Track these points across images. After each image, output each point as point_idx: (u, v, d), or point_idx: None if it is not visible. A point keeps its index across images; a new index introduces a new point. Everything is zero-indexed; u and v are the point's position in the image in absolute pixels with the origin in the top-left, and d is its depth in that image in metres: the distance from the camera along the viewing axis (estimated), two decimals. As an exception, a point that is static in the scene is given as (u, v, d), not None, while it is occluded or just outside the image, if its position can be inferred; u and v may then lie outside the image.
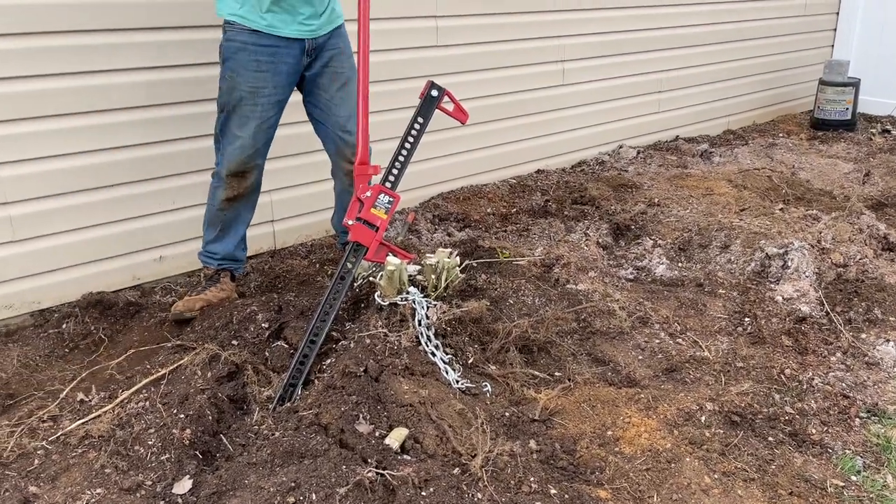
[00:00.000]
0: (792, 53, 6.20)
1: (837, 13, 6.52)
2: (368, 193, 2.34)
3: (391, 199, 2.35)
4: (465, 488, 1.82)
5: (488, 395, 2.29)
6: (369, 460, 1.89)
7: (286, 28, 2.55)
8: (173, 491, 1.91)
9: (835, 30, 6.57)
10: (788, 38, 6.09)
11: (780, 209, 4.08)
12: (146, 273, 3.06)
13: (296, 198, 3.46)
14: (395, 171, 2.43)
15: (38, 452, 2.07)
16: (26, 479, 1.96)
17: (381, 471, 1.83)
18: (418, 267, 2.46)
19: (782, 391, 2.49)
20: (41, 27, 2.60)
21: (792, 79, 6.33)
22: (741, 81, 5.81)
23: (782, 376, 2.58)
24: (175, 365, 2.34)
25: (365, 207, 2.32)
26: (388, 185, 2.41)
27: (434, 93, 2.54)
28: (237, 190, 2.70)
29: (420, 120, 2.52)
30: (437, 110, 2.55)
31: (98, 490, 1.91)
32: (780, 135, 5.84)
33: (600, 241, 3.61)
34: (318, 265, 3.33)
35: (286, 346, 2.42)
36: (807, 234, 3.57)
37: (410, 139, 2.48)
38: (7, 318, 2.76)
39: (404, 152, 2.47)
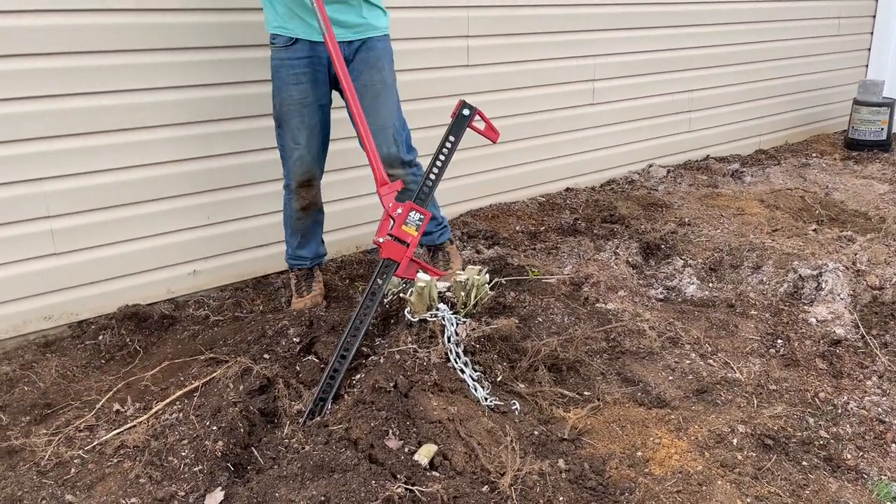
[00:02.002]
0: (825, 73, 6.15)
1: (872, 32, 6.45)
2: (399, 210, 2.36)
3: (422, 217, 2.37)
4: (493, 506, 1.82)
5: (517, 413, 2.29)
6: (398, 476, 1.89)
7: (316, 33, 2.63)
8: (206, 502, 1.93)
9: (869, 49, 6.50)
10: (822, 58, 6.04)
11: (814, 230, 4.03)
12: (180, 287, 3.12)
13: (327, 214, 3.49)
14: (426, 189, 2.45)
15: (75, 461, 2.11)
16: (63, 488, 2.00)
17: (410, 486, 1.84)
18: (448, 284, 2.48)
19: (816, 415, 2.45)
20: (86, 47, 2.68)
21: (825, 98, 6.27)
22: (773, 101, 5.77)
23: (816, 399, 2.53)
24: (208, 378, 2.38)
25: (396, 224, 2.35)
26: (418, 202, 2.43)
27: (465, 112, 2.57)
28: (307, 199, 2.85)
29: (451, 138, 2.55)
30: (468, 129, 2.58)
31: (132, 500, 1.94)
32: (814, 155, 5.78)
33: (630, 260, 3.59)
34: (348, 280, 3.36)
35: (317, 360, 2.44)
36: (841, 256, 3.52)
37: (442, 157, 2.51)
38: (46, 328, 2.83)
39: (435, 170, 2.49)
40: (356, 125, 2.55)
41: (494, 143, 2.68)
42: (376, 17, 2.77)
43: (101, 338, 2.81)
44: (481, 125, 2.61)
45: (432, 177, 2.49)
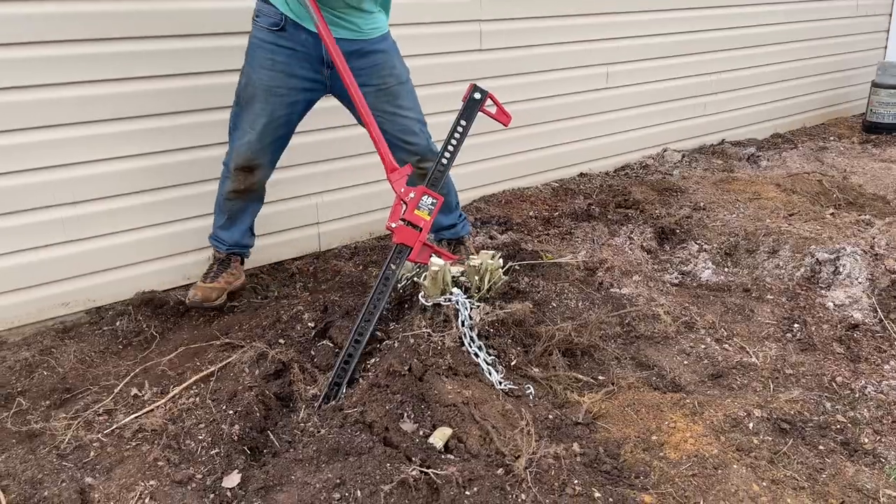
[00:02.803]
0: (843, 55, 6.05)
1: (890, 14, 6.35)
2: (412, 195, 2.36)
3: (434, 201, 2.37)
4: (508, 489, 1.82)
5: (531, 397, 2.29)
6: (413, 459, 1.90)
7: (309, 22, 2.48)
8: (223, 485, 1.95)
9: (888, 31, 6.39)
10: (839, 40, 5.95)
11: (832, 214, 3.99)
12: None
13: (341, 200, 3.51)
14: (439, 172, 2.44)
15: (94, 445, 2.13)
16: (82, 470, 2.03)
17: (425, 469, 1.85)
18: (461, 269, 2.48)
19: (833, 399, 2.43)
20: (102, 34, 2.68)
21: (843, 81, 6.18)
22: (790, 84, 5.69)
23: (834, 384, 2.52)
24: (224, 362, 2.40)
25: (409, 209, 2.35)
26: (431, 186, 2.42)
27: (477, 95, 2.56)
28: (244, 184, 2.71)
29: (463, 122, 2.54)
30: (480, 113, 2.56)
31: (151, 482, 1.97)
32: (831, 138, 5.71)
33: (644, 245, 3.57)
34: (362, 267, 3.36)
35: (331, 345, 2.45)
36: (859, 240, 3.48)
37: (454, 142, 2.50)
38: (64, 315, 2.86)
39: (447, 154, 2.48)
40: (362, 117, 2.49)
41: (506, 126, 2.66)
42: (374, 20, 2.62)
43: (118, 324, 2.83)
44: (493, 109, 2.59)
45: (444, 161, 2.48)
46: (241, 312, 2.90)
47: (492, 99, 2.56)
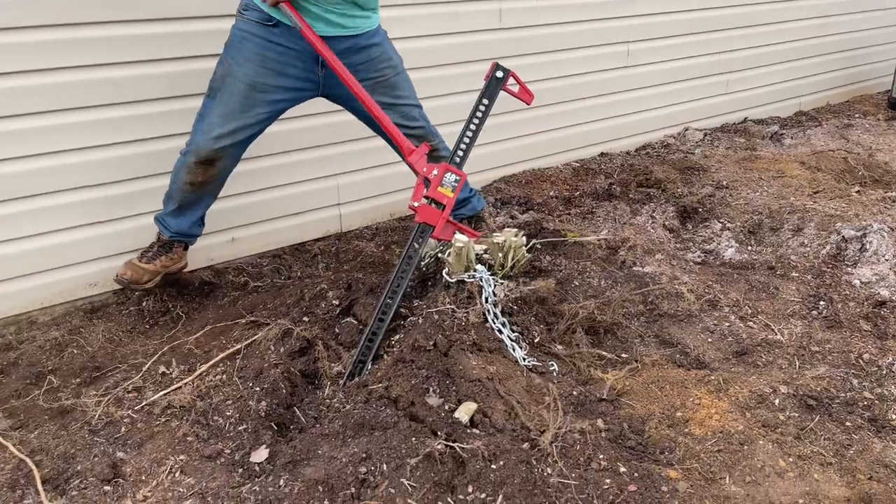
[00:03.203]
0: (868, 31, 5.93)
1: (918, -12, 6.20)
2: (435, 172, 2.36)
3: (458, 178, 2.36)
4: (534, 463, 1.83)
5: (555, 373, 2.29)
6: (439, 433, 1.91)
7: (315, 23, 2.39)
8: (251, 459, 1.98)
9: (916, 5, 6.26)
10: (864, 15, 5.83)
11: (857, 191, 3.93)
12: (220, 254, 3.16)
13: (361, 181, 3.51)
14: (461, 151, 2.44)
15: (125, 421, 2.17)
16: (114, 445, 2.07)
17: (450, 443, 1.86)
18: (484, 246, 2.48)
19: (860, 376, 2.41)
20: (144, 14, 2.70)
21: (868, 58, 6.06)
22: (814, 61, 5.59)
23: (860, 361, 2.49)
24: (250, 340, 2.42)
25: (432, 186, 2.35)
26: (454, 164, 2.42)
27: (499, 74, 2.55)
28: (202, 177, 2.55)
29: (485, 101, 2.53)
30: (502, 92, 2.55)
31: (181, 457, 2.00)
32: (856, 115, 5.61)
33: (667, 224, 3.54)
34: (384, 247, 3.37)
35: (355, 322, 2.47)
36: (885, 217, 3.43)
37: (476, 120, 2.49)
38: (92, 295, 2.90)
39: (470, 133, 2.48)
40: (368, 108, 2.45)
41: (528, 105, 2.65)
42: (365, 17, 2.53)
43: (144, 304, 2.86)
44: (515, 88, 2.58)
45: (466, 140, 2.47)
46: (266, 292, 2.92)
47: (514, 77, 2.55)
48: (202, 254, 3.13)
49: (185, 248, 2.82)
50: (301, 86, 2.53)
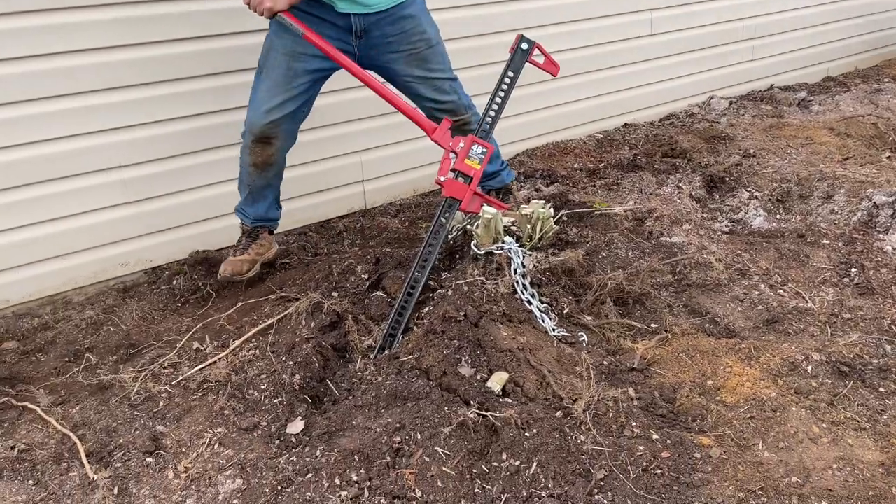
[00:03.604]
0: (897, -8, 5.79)
1: (950, -54, 6.02)
2: (462, 144, 2.35)
3: (484, 150, 2.36)
4: (567, 431, 1.84)
5: (584, 344, 2.29)
6: (471, 402, 1.93)
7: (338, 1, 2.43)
8: (287, 431, 2.01)
9: (947, -35, 6.08)
10: (894, -24, 5.69)
11: (888, 157, 3.86)
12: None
13: (385, 157, 3.52)
14: (487, 124, 2.43)
15: (162, 395, 2.22)
16: (154, 419, 2.12)
17: (483, 412, 1.88)
18: (512, 218, 2.47)
19: (894, 342, 2.38)
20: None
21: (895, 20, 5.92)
22: (840, 25, 5.47)
23: (894, 327, 2.47)
24: (282, 315, 2.45)
25: (459, 158, 2.34)
26: (481, 136, 2.41)
27: (524, 46, 2.52)
28: (261, 156, 2.61)
29: (510, 74, 2.51)
30: (527, 63, 2.53)
31: (219, 429, 2.04)
32: (886, 80, 5.49)
33: (693, 193, 3.51)
34: (408, 223, 3.38)
35: (385, 295, 2.48)
36: (918, 182, 3.38)
37: (501, 93, 2.48)
38: (124, 275, 2.95)
39: (496, 105, 2.47)
40: (388, 100, 2.47)
41: (555, 76, 2.63)
42: None
43: (175, 283, 2.91)
44: (541, 59, 2.55)
45: (492, 112, 2.46)
46: (293, 269, 2.95)
47: (539, 49, 2.52)
48: (229, 233, 3.15)
49: (271, 233, 2.90)
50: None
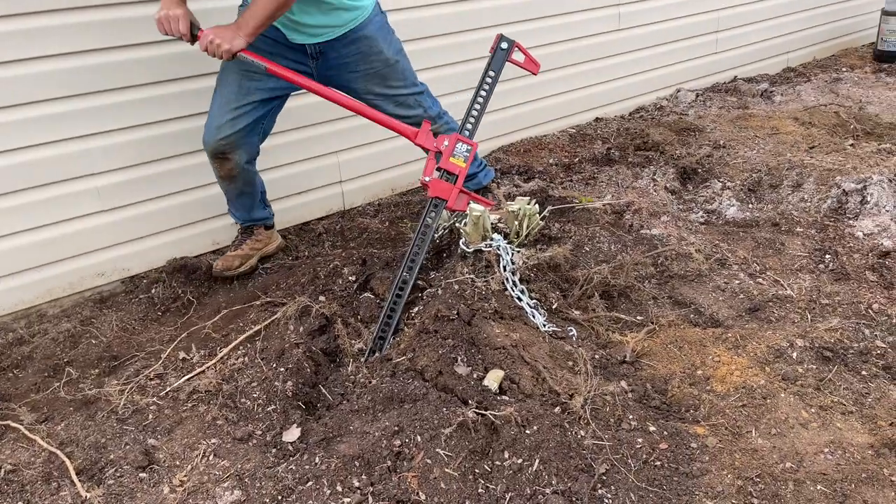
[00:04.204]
0: (852, -17, 5.95)
1: (901, -62, 6.19)
2: (446, 143, 2.34)
3: (469, 148, 2.36)
4: (567, 426, 1.85)
5: (574, 338, 2.31)
6: (469, 402, 1.93)
7: (288, 32, 2.47)
8: (283, 439, 1.99)
9: (898, -45, 6.25)
10: (848, -32, 5.84)
11: (851, 145, 3.97)
12: (224, 237, 3.14)
13: (362, 157, 3.49)
14: (471, 121, 2.43)
15: (151, 408, 2.17)
16: (144, 433, 2.07)
17: (482, 411, 1.87)
18: (497, 216, 2.48)
19: (871, 326, 2.45)
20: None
21: (852, 11, 6.07)
22: (800, 16, 5.60)
23: (870, 311, 2.54)
24: (269, 320, 2.41)
25: (444, 156, 2.34)
26: (466, 133, 2.41)
27: (504, 45, 2.53)
28: (222, 170, 2.62)
29: (492, 73, 2.52)
30: (508, 63, 2.53)
31: (213, 440, 2.00)
32: (844, 69, 5.64)
33: (668, 185, 3.56)
34: (388, 223, 3.36)
35: (373, 297, 2.46)
36: (883, 169, 3.47)
37: (483, 92, 2.48)
38: (100, 285, 2.87)
39: (478, 104, 2.47)
40: (363, 114, 2.50)
41: (535, 74, 2.64)
42: (337, 16, 2.47)
43: (153, 291, 2.85)
44: (521, 58, 2.56)
45: (476, 111, 2.46)
46: (275, 273, 2.91)
47: (519, 48, 2.53)
48: (206, 238, 3.11)
49: (268, 228, 2.97)
50: (294, 68, 2.53)
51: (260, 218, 2.91)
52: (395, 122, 2.51)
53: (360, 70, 2.59)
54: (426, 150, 2.44)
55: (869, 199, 3.16)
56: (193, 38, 2.35)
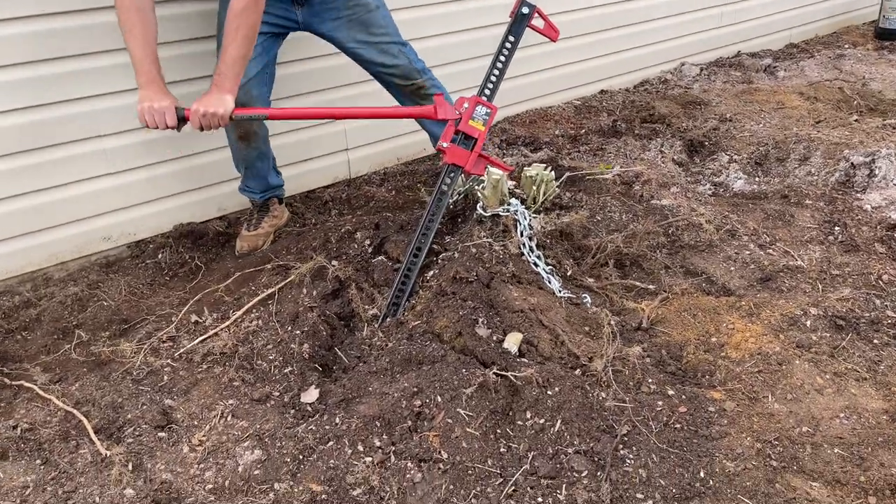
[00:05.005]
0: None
1: (905, -86, 6.16)
2: (466, 105, 2.32)
3: (488, 111, 2.33)
4: (588, 388, 1.86)
5: (588, 305, 2.31)
6: (490, 363, 1.93)
7: None
8: (302, 400, 1.98)
9: (902, -67, 6.22)
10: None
11: (855, 120, 3.97)
12: (231, 203, 3.10)
13: (368, 125, 3.45)
14: (490, 85, 2.40)
15: (166, 369, 2.15)
16: (160, 393, 2.05)
17: (503, 372, 1.87)
18: (514, 182, 2.46)
19: (882, 296, 2.47)
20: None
21: (854, -12, 6.07)
22: (804, -9, 5.58)
23: (880, 282, 2.55)
24: (282, 283, 2.39)
25: (463, 119, 2.31)
26: (484, 97, 2.38)
27: (525, 10, 2.49)
28: (242, 128, 2.61)
29: (511, 38, 2.48)
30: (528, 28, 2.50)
31: (230, 401, 1.99)
32: (846, 46, 5.63)
33: (675, 158, 3.55)
34: (394, 192, 3.34)
35: (387, 260, 2.45)
36: (889, 143, 3.48)
37: (503, 56, 2.44)
38: (107, 249, 2.83)
39: (498, 68, 2.43)
40: (371, 115, 2.53)
41: (554, 41, 2.60)
42: None
43: (160, 256, 2.82)
44: (540, 24, 2.53)
45: (494, 76, 2.43)
46: (284, 238, 2.88)
47: (539, 13, 2.50)
48: (213, 204, 3.07)
49: (280, 202, 2.98)
50: (280, 22, 2.57)
51: (275, 185, 2.92)
52: (411, 109, 2.52)
53: (343, 16, 2.60)
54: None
55: (877, 172, 3.17)
56: (182, 121, 2.27)
